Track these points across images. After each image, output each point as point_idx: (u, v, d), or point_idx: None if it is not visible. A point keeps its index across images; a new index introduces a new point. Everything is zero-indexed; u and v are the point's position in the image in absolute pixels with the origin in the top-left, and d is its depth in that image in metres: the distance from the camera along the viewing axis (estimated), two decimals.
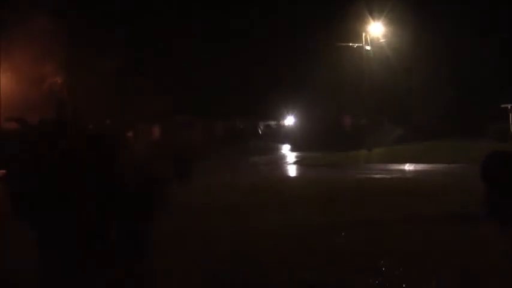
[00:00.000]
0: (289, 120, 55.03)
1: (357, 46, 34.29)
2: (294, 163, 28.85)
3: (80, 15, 31.30)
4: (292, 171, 24.88)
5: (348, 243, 7.20)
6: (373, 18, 34.10)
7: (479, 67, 41.41)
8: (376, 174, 19.39)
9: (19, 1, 30.10)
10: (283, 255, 6.56)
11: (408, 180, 16.78)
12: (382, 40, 34.99)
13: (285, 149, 43.83)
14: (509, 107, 33.80)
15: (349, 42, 34.84)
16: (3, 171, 4.46)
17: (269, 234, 7.84)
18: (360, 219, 8.93)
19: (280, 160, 31.93)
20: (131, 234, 4.09)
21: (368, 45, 33.96)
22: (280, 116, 55.44)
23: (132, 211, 4.16)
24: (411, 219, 8.65)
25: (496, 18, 44.16)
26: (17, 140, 4.53)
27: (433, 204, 10.02)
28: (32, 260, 3.64)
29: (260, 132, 53.94)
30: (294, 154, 35.89)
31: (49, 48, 29.50)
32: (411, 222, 8.37)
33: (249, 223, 8.92)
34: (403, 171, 20.73)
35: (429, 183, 14.22)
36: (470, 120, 38.98)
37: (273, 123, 56.79)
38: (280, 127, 56.03)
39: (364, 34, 34.06)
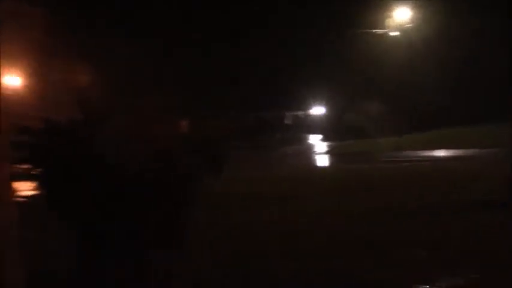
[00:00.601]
0: (319, 110, 54.52)
1: (380, 32, 33.62)
2: (326, 153, 28.62)
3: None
4: (324, 161, 24.69)
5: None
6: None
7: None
8: (406, 161, 19.07)
9: None
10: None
11: (445, 167, 16.46)
12: (410, 25, 34.21)
13: (315, 139, 43.50)
14: None
15: (376, 29, 34.24)
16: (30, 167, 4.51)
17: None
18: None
19: (310, 150, 31.77)
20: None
21: (394, 31, 33.30)
22: (308, 106, 54.95)
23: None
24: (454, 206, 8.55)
25: None
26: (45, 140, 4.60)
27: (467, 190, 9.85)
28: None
29: (288, 123, 53.65)
30: (325, 144, 35.62)
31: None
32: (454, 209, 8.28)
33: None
34: (437, 157, 20.39)
35: (461, 170, 13.93)
36: (501, 104, 37.76)
37: (301, 113, 56.31)
38: (309, 117, 55.54)
39: (388, 19, 33.34)
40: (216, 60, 41.86)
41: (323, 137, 43.38)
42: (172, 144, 4.92)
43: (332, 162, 23.65)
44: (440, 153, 21.79)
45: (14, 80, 27.73)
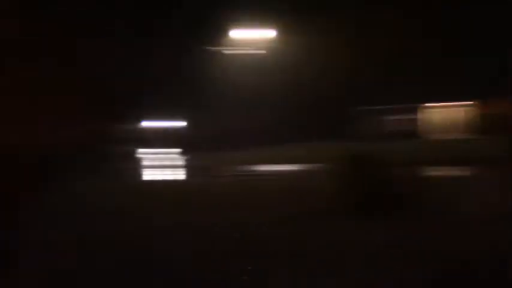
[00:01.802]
0: (174, 123, 53.52)
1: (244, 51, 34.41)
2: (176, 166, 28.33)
3: None
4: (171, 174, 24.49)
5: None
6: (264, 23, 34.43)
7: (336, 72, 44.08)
8: (243, 175, 19.82)
9: None
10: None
11: (274, 181, 17.37)
12: (271, 45, 35.51)
13: (167, 151, 42.82)
14: (365, 109, 36.66)
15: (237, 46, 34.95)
16: None
17: None
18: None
19: (158, 163, 31.15)
20: None
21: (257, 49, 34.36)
22: (164, 118, 53.52)
23: None
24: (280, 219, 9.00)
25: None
26: None
27: (300, 203, 10.54)
28: None
29: (141, 136, 52.01)
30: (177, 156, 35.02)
31: None
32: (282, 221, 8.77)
33: None
34: (269, 172, 21.39)
35: (294, 184, 14.87)
36: (330, 122, 41.57)
37: (153, 124, 54.77)
38: (164, 130, 54.27)
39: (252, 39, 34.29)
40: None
41: (178, 149, 42.95)
42: None
43: (176, 176, 23.69)
44: (285, 167, 22.88)
45: None
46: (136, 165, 30.49)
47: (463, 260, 5.65)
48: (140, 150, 44.63)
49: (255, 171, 21.81)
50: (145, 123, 55.15)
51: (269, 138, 38.61)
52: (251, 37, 35.15)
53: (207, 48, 35.38)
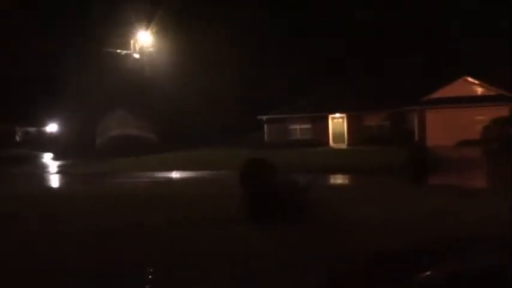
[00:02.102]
0: (52, 127, 51.54)
1: (125, 53, 33.93)
2: (58, 172, 27.06)
3: None
4: (54, 181, 23.26)
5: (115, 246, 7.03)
6: (143, 27, 34.22)
7: (239, 80, 45.17)
8: (142, 181, 19.46)
9: None
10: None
11: (174, 187, 17.22)
12: (151, 49, 35.35)
13: (48, 157, 40.84)
14: (264, 118, 37.56)
15: (118, 49, 34.25)
16: None
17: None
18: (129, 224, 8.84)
19: (42, 169, 29.62)
20: None
21: (137, 53, 33.93)
22: (42, 122, 51.48)
23: None
24: (178, 223, 8.85)
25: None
26: None
27: (197, 209, 10.43)
28: None
29: (18, 139, 49.15)
30: (58, 163, 33.67)
31: None
32: (177, 226, 8.58)
33: None
34: (170, 178, 21.22)
35: (194, 190, 14.79)
36: (232, 130, 42.25)
37: (33, 129, 52.34)
38: (42, 134, 52.02)
39: (132, 41, 33.96)
40: None
41: (56, 155, 41.00)
42: None
43: (63, 183, 22.49)
44: (174, 174, 22.82)
45: None
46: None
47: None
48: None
49: (149, 176, 21.39)
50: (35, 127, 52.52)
51: (164, 145, 38.30)
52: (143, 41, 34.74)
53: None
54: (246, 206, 8.57)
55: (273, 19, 51.09)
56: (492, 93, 30.79)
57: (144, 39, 34.58)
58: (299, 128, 37.34)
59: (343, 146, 35.86)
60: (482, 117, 27.84)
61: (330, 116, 36.85)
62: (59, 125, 50.41)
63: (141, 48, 34.49)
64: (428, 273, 2.73)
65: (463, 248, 3.27)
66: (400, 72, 40.77)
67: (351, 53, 48.37)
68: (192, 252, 6.87)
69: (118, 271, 6.16)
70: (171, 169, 24.14)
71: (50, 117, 49.97)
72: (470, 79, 31.61)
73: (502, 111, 27.37)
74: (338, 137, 36.80)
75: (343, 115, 36.61)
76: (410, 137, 30.72)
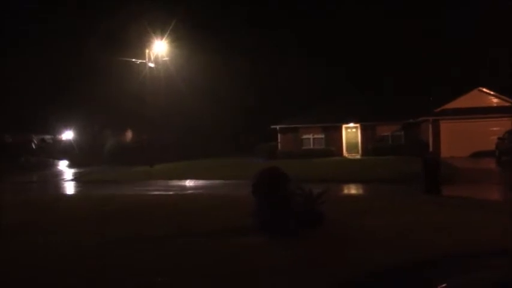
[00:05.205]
0: (68, 135, 52.06)
1: (140, 62, 34.25)
2: (73, 180, 27.33)
3: None
4: (70, 188, 23.49)
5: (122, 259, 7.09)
6: (157, 36, 34.55)
7: (253, 92, 45.50)
8: (156, 190, 19.58)
9: None
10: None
11: (188, 195, 17.28)
12: (166, 58, 35.66)
13: (63, 164, 41.25)
14: (277, 127, 37.60)
15: (134, 58, 34.59)
16: None
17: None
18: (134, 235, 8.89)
19: (58, 177, 29.93)
20: None
21: (152, 62, 34.23)
22: (58, 131, 52.05)
23: None
24: (189, 233, 8.89)
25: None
26: None
27: (211, 218, 10.48)
28: None
29: (34, 147, 49.71)
30: (73, 171, 34.00)
31: None
32: (189, 236, 8.62)
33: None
34: (183, 187, 21.31)
35: (208, 199, 14.85)
36: (245, 140, 42.40)
37: (48, 137, 52.92)
38: (58, 142, 52.56)
39: (147, 51, 34.29)
40: None
41: (71, 162, 41.43)
42: None
43: (79, 190, 22.69)
44: (190, 183, 22.90)
45: None
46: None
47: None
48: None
49: (168, 185, 21.51)
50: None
51: (180, 153, 38.53)
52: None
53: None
54: (257, 216, 8.55)
55: (285, 29, 51.23)
56: (507, 104, 30.52)
57: (159, 49, 34.89)
58: (312, 138, 37.30)
59: (357, 156, 35.74)
60: (497, 128, 27.60)
61: (344, 126, 36.79)
62: (74, 133, 50.91)
63: (156, 58, 34.81)
64: (444, 285, 2.74)
65: (478, 261, 3.28)
66: (413, 82, 40.66)
67: (365, 63, 48.39)
68: (193, 265, 6.82)
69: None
70: (186, 178, 24.28)
71: (65, 125, 50.49)
72: (485, 90, 31.38)
73: None
74: (351, 147, 36.70)
75: (357, 125, 36.53)
76: (425, 147, 30.54)
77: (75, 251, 7.84)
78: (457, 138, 29.98)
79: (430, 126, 31.50)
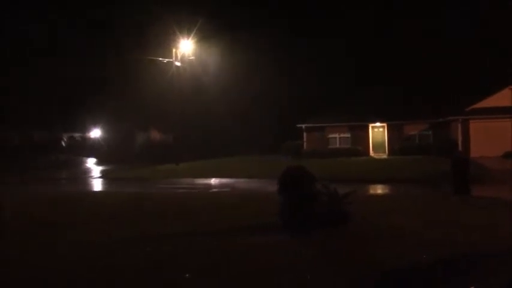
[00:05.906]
0: (96, 133, 52.88)
1: (167, 61, 34.50)
2: (100, 177, 27.71)
3: None
4: (97, 185, 23.83)
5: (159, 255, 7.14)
6: (184, 35, 34.74)
7: (278, 92, 45.46)
8: (183, 188, 19.70)
9: None
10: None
11: (214, 194, 17.34)
12: (192, 57, 35.84)
13: (91, 162, 41.91)
14: (303, 126, 37.44)
15: (161, 57, 34.87)
16: None
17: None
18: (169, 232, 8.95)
19: (86, 174, 30.40)
20: None
21: (178, 61, 34.43)
22: (86, 128, 52.95)
23: None
24: (215, 231, 8.92)
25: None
26: None
27: (237, 216, 10.49)
28: None
29: (63, 145, 50.65)
30: (100, 168, 34.48)
31: None
32: (214, 235, 8.64)
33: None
34: (209, 184, 21.39)
35: (234, 196, 14.87)
36: (272, 138, 42.36)
37: (77, 135, 53.87)
38: (86, 140, 53.45)
39: (174, 50, 34.49)
40: None
41: (99, 160, 42.03)
42: None
43: (108, 187, 22.99)
44: (216, 180, 22.98)
45: None
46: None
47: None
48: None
49: (194, 183, 21.63)
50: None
51: (206, 151, 38.71)
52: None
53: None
54: (283, 214, 8.53)
55: (307, 27, 50.93)
56: None
57: (185, 48, 35.09)
58: (338, 137, 37.01)
59: (384, 155, 35.33)
60: None
61: (371, 125, 36.40)
62: (102, 131, 51.68)
63: (182, 57, 35.01)
64: None
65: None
66: (442, 81, 39.93)
67: (393, 61, 47.76)
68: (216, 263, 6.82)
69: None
70: (212, 176, 24.36)
71: (94, 123, 51.30)
72: None
73: None
74: (378, 147, 36.29)
75: (384, 124, 36.10)
76: (454, 147, 29.97)
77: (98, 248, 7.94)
78: (488, 138, 29.32)
79: (460, 125, 30.90)
